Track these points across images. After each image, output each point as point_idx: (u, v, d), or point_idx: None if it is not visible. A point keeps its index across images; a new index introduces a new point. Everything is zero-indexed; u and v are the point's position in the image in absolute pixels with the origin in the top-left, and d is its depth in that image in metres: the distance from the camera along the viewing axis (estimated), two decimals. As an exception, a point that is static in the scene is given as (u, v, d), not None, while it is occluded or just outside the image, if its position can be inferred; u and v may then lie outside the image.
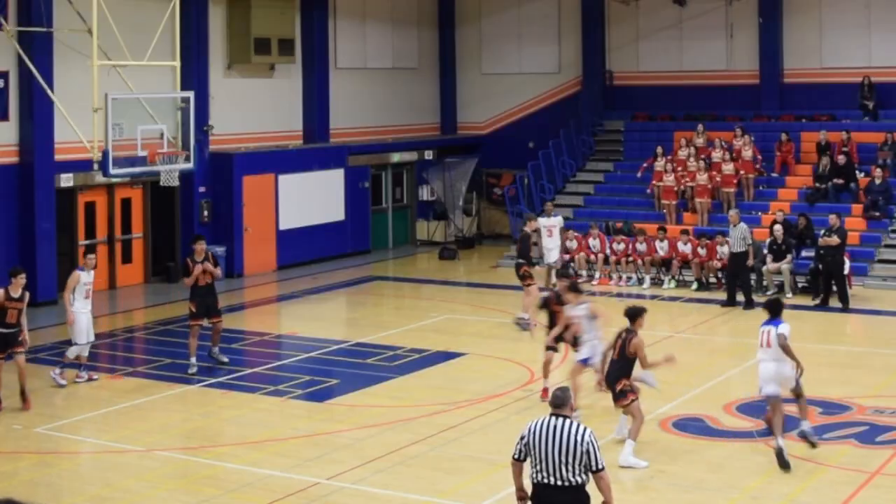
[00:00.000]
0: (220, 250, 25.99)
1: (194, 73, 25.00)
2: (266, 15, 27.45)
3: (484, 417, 15.01)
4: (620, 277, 25.29)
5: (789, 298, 23.14)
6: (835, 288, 22.26)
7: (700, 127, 28.74)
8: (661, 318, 21.98)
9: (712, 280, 24.48)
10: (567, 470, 8.67)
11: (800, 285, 23.70)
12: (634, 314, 13.47)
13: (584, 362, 14.76)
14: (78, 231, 24.17)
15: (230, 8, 27.28)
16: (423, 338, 19.93)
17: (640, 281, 25.04)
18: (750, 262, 22.87)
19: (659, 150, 27.98)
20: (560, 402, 8.90)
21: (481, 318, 21.00)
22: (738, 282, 22.61)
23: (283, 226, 27.74)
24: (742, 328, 21.18)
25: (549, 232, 23.92)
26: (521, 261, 20.59)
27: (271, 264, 27.22)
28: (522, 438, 8.88)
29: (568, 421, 8.78)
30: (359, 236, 30.06)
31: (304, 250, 28.05)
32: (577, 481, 8.70)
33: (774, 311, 13.26)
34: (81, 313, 16.82)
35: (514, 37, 33.15)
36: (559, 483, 8.70)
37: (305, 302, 23.57)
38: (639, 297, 23.78)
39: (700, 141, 28.38)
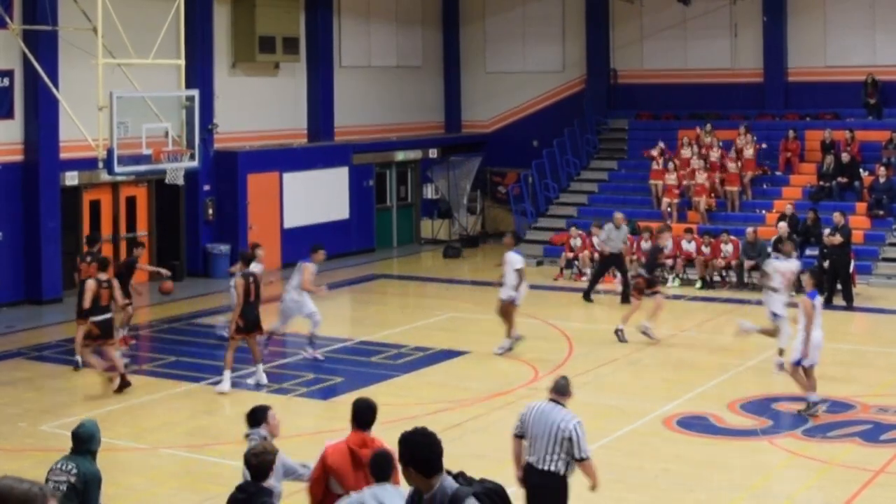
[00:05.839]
0: (224, 248, 26.07)
1: (199, 72, 25.01)
2: (271, 13, 27.49)
3: (488, 416, 15.02)
4: (624, 276, 25.24)
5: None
6: (839, 286, 22.25)
7: (708, 126, 28.74)
8: (666, 317, 21.95)
9: (716, 278, 24.49)
10: (550, 455, 8.98)
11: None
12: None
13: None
14: (83, 229, 24.18)
15: (235, 6, 27.31)
16: (426, 336, 19.95)
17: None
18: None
19: (662, 144, 28.07)
20: (561, 390, 9.28)
21: (485, 316, 20.98)
22: None
23: (287, 224, 27.76)
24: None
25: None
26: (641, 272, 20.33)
27: (276, 262, 27.20)
28: (522, 415, 9.26)
29: (559, 407, 9.13)
30: (363, 234, 30.08)
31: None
32: (556, 468, 8.98)
33: None
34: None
35: (518, 35, 33.15)
36: (541, 467, 9.03)
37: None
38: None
39: (708, 140, 28.39)
